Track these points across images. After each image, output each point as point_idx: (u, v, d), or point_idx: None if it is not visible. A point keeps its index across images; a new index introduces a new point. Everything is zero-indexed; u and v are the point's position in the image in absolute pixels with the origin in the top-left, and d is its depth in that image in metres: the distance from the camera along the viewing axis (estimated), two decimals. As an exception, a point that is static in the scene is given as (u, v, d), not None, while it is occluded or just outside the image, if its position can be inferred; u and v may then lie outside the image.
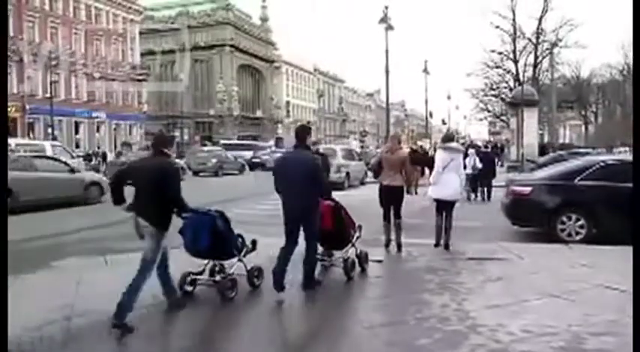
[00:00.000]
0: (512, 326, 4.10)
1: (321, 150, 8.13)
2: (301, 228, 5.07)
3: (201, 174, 26.47)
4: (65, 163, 14.60)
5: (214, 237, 4.76)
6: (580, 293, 5.05)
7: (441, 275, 5.89)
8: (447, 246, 7.25)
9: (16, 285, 4.96)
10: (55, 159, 15.03)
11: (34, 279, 5.82)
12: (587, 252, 6.95)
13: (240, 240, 5.08)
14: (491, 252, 6.99)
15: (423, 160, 16.06)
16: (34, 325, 4.20)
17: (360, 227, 6.02)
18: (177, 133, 53.16)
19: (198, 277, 5.10)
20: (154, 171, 4.28)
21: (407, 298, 5.03)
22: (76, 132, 41.81)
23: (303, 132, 5.33)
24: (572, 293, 5.05)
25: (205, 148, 34.45)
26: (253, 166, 30.57)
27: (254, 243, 5.21)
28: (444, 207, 7.29)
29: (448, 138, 7.99)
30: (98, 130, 44.29)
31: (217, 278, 5.04)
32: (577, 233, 7.90)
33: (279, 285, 4.95)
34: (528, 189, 8.50)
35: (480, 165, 14.51)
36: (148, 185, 4.25)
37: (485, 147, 21.05)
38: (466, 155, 15.70)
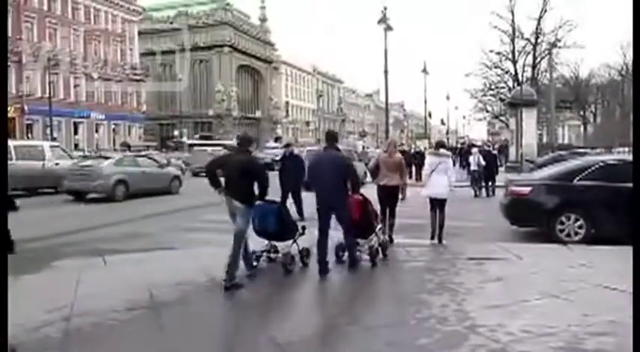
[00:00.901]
0: (512, 327, 4.11)
1: (296, 152, 9.94)
2: (333, 217, 6.01)
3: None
4: (155, 160, 18.02)
5: (281, 222, 5.96)
6: (579, 294, 5.06)
7: (440, 275, 5.90)
8: (440, 240, 7.88)
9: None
10: (150, 158, 18.37)
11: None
12: (586, 252, 6.96)
13: (295, 225, 6.20)
14: (490, 252, 6.99)
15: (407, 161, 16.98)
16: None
17: (382, 219, 6.87)
18: (176, 133, 53.31)
19: (268, 255, 6.31)
20: (243, 164, 5.48)
21: (406, 298, 5.04)
22: (75, 132, 41.77)
23: (333, 136, 6.52)
24: (571, 293, 5.06)
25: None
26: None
27: (304, 228, 6.24)
28: (436, 204, 7.99)
29: (439, 144, 8.93)
30: (97, 131, 44.24)
31: (279, 255, 6.21)
32: (576, 233, 7.91)
33: (324, 272, 5.91)
34: (527, 189, 8.51)
35: (483, 163, 15.89)
36: (237, 174, 5.44)
37: (488, 146, 21.96)
38: (470, 154, 16.87)
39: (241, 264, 5.63)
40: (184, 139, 44.32)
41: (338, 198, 5.97)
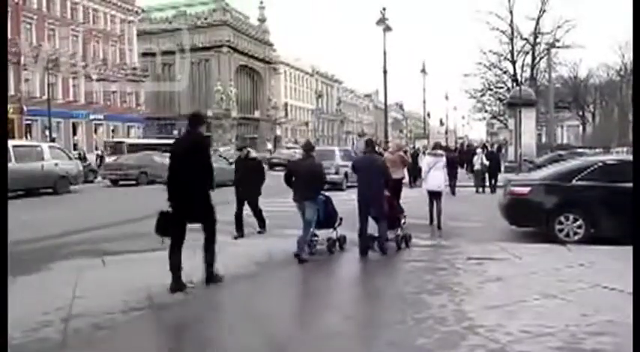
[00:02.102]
0: (511, 327, 4.11)
1: (253, 154, 9.66)
2: (371, 210, 7.04)
3: None
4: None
5: (327, 213, 7.12)
6: (578, 294, 5.06)
7: (439, 275, 5.90)
8: (439, 226, 9.52)
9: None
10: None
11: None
12: (584, 252, 6.96)
13: (337, 216, 7.28)
14: (489, 252, 7.00)
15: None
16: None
17: (405, 216, 7.83)
18: (175, 133, 53.25)
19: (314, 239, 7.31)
20: (311, 168, 6.96)
21: (406, 298, 5.04)
22: (74, 133, 41.73)
23: (372, 143, 7.89)
24: (570, 293, 5.06)
25: None
26: (272, 166, 28.97)
27: (341, 219, 7.31)
28: (434, 195, 9.82)
29: (436, 146, 11.28)
30: (96, 132, 44.21)
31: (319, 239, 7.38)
32: (575, 233, 7.91)
33: (364, 253, 7.04)
34: (526, 189, 8.50)
35: (487, 162, 17.30)
36: (306, 176, 6.87)
37: (492, 146, 23.46)
38: (474, 154, 17.97)
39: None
40: (125, 139, 38.59)
41: (377, 195, 7.08)
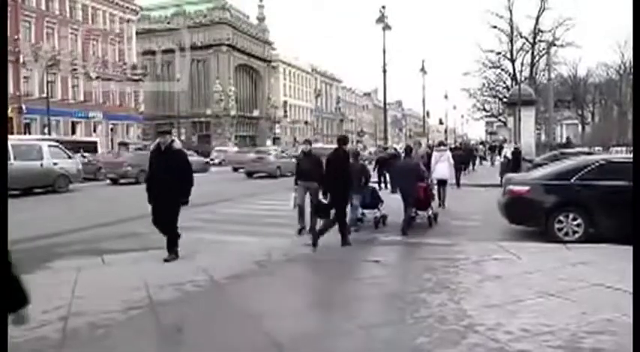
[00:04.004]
0: (510, 325, 4.11)
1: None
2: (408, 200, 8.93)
3: None
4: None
5: (373, 197, 9.60)
6: (577, 293, 5.06)
7: (439, 274, 5.90)
8: (443, 206, 12.14)
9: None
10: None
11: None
12: (584, 251, 6.96)
13: (380, 200, 9.64)
14: (489, 252, 7.00)
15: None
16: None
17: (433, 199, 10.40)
18: (174, 132, 53.15)
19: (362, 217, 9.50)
20: (361, 169, 9.14)
21: (405, 296, 5.04)
22: (73, 132, 41.66)
23: (410, 148, 10.70)
24: (569, 292, 5.06)
25: None
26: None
27: (382, 201, 9.63)
28: (440, 183, 12.50)
29: (440, 143, 15.24)
30: (95, 130, 44.16)
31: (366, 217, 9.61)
32: (574, 232, 7.90)
33: (404, 233, 8.61)
34: (525, 188, 8.51)
35: (509, 156, 19.31)
36: (358, 176, 8.69)
37: (517, 145, 24.12)
38: (501, 148, 23.28)
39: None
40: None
41: (410, 189, 8.93)
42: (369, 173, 9.55)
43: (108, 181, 22.08)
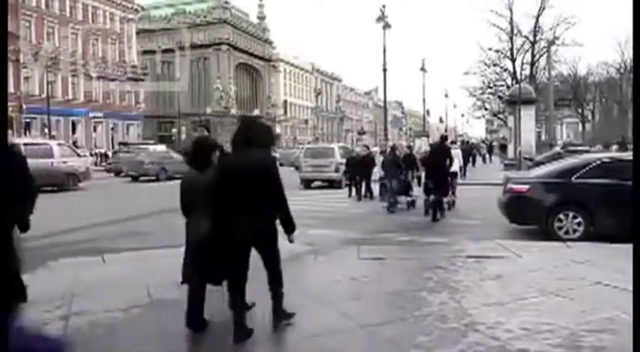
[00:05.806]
0: (510, 324, 4.12)
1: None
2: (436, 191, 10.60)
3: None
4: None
5: (404, 186, 12.42)
6: (577, 291, 5.06)
7: (439, 272, 5.90)
8: (454, 193, 12.92)
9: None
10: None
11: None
12: (584, 249, 6.96)
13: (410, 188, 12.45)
14: (489, 250, 7.00)
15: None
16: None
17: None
18: (174, 131, 53.21)
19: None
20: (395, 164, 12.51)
21: (406, 295, 5.04)
22: (73, 131, 41.72)
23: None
24: (569, 290, 5.06)
25: None
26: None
27: (412, 188, 12.66)
28: (452, 175, 13.07)
29: (452, 142, 16.52)
30: (95, 130, 44.20)
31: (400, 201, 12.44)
32: (574, 230, 7.92)
33: (433, 218, 10.34)
34: (526, 186, 8.51)
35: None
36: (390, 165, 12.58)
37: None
38: (505, 147, 23.58)
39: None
40: None
41: (439, 182, 10.63)
42: (418, 164, 12.74)
43: (129, 179, 23.08)
